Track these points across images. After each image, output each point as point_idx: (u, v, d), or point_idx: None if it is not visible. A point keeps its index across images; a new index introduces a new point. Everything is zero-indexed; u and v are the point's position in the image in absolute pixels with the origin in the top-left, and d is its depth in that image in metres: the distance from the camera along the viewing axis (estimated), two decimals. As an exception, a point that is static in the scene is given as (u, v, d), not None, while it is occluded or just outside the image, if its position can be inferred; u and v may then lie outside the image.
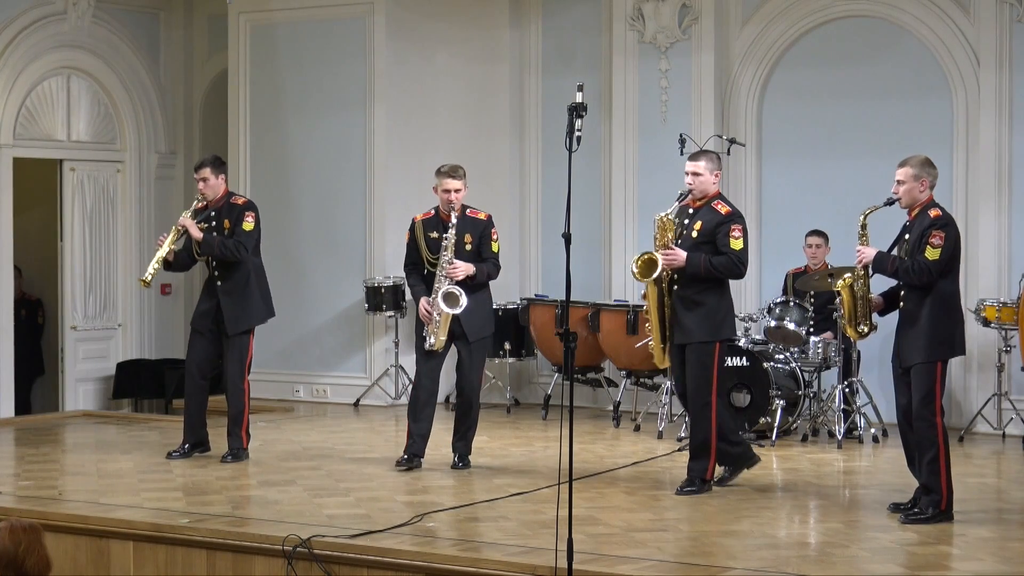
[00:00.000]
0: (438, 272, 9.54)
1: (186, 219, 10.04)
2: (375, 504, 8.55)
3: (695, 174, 8.94)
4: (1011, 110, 11.57)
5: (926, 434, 7.94)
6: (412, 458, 9.70)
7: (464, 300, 9.47)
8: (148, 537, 7.91)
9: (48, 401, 14.44)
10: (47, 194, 14.00)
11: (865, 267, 8.25)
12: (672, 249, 8.83)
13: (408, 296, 12.01)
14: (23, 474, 9.83)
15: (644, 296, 9.16)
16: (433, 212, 9.74)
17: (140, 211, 14.34)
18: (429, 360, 9.69)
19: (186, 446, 10.23)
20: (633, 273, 8.99)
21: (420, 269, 9.72)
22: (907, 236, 8.14)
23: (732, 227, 8.82)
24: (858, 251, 8.23)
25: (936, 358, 7.96)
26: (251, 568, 7.57)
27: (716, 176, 8.99)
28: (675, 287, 8.90)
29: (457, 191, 9.56)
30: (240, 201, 10.29)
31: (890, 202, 8.24)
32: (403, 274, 10.18)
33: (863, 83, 12.23)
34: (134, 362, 14.22)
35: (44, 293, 14.72)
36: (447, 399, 13.12)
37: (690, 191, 8.95)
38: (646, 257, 8.93)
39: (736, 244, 8.80)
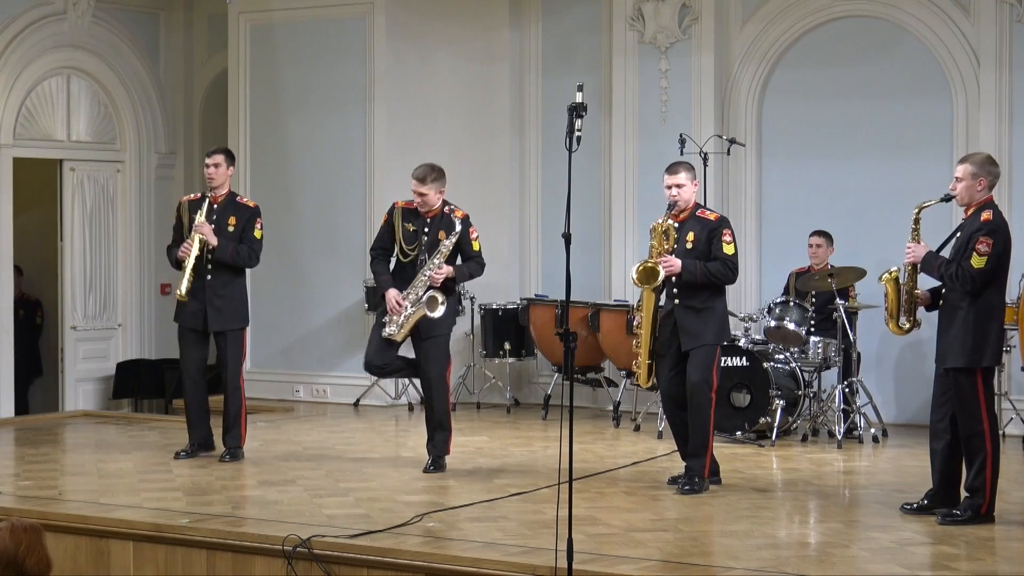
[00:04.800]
0: (421, 272, 9.52)
1: (204, 226, 9.96)
2: (375, 504, 8.55)
3: (678, 186, 8.95)
4: (1011, 110, 11.58)
5: (973, 441, 7.88)
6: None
7: (443, 308, 9.49)
8: (148, 537, 7.90)
9: (48, 401, 14.44)
10: (47, 194, 14.00)
11: (913, 264, 8.08)
12: (667, 258, 8.87)
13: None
14: (23, 474, 9.82)
15: (638, 308, 9.15)
16: (415, 204, 9.72)
17: (140, 211, 14.34)
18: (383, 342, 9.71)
19: (193, 446, 10.23)
20: (634, 280, 9.01)
21: (388, 256, 9.70)
22: (958, 235, 8.01)
23: (723, 232, 8.90)
24: (908, 247, 8.06)
25: (967, 364, 7.84)
26: (251, 568, 7.57)
27: (695, 185, 9.03)
28: (676, 300, 8.93)
29: (421, 193, 9.52)
30: (249, 204, 10.32)
31: (947, 198, 8.11)
32: None
33: (863, 83, 12.23)
34: (134, 362, 14.22)
35: (44, 293, 14.72)
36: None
37: (675, 203, 8.96)
38: (648, 265, 8.96)
39: (729, 249, 8.87)
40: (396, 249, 9.65)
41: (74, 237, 13.88)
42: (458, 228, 9.50)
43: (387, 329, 9.58)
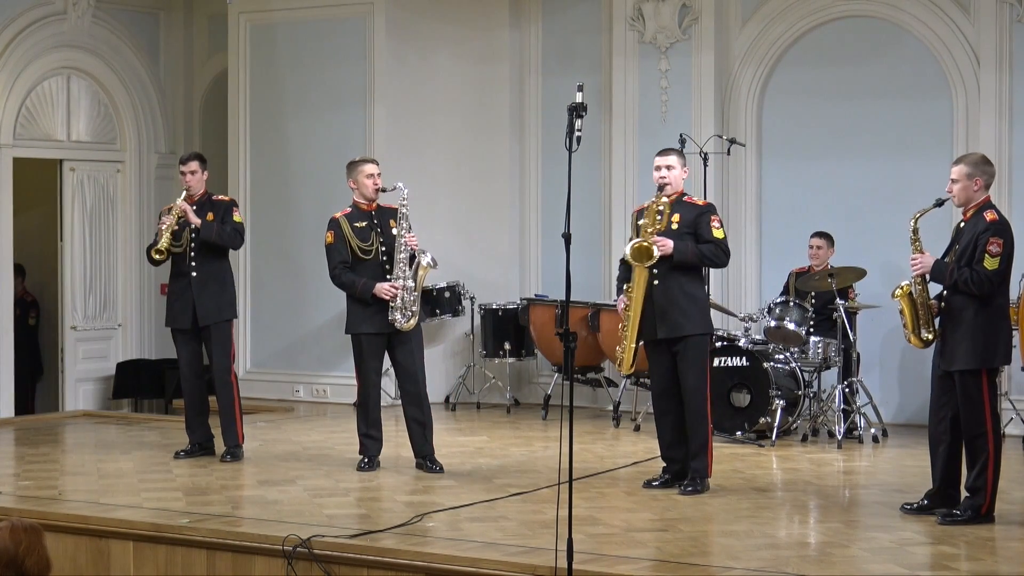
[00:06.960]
0: (398, 241, 9.54)
1: (184, 204, 10.18)
2: (375, 504, 8.55)
3: (668, 167, 8.93)
4: (1011, 110, 11.58)
5: (976, 442, 7.87)
6: (372, 460, 9.80)
7: (430, 256, 9.61)
8: (148, 537, 7.91)
9: (48, 401, 14.43)
10: (47, 194, 14.00)
11: (922, 275, 7.99)
12: (661, 238, 8.81)
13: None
14: (23, 474, 9.82)
15: (628, 289, 9.04)
16: (351, 208, 9.78)
17: (140, 211, 14.34)
18: (375, 359, 9.77)
19: (193, 446, 10.26)
20: (628, 259, 8.91)
21: (351, 265, 9.72)
22: (959, 238, 7.94)
23: (712, 217, 8.90)
24: (913, 259, 7.99)
25: (980, 365, 7.82)
26: (251, 568, 7.57)
27: (685, 172, 9.05)
28: (656, 283, 8.84)
29: (379, 174, 9.77)
30: (224, 199, 10.48)
31: (940, 203, 8.07)
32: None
33: (863, 83, 12.24)
34: (134, 362, 14.21)
35: (44, 293, 14.71)
36: (446, 399, 13.14)
37: (664, 185, 8.92)
38: (643, 244, 8.84)
39: (719, 233, 8.88)
40: (351, 254, 9.66)
41: (74, 237, 13.88)
42: (404, 195, 9.59)
43: (399, 321, 9.57)
